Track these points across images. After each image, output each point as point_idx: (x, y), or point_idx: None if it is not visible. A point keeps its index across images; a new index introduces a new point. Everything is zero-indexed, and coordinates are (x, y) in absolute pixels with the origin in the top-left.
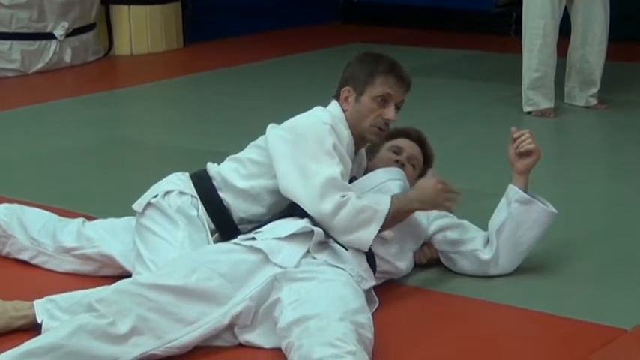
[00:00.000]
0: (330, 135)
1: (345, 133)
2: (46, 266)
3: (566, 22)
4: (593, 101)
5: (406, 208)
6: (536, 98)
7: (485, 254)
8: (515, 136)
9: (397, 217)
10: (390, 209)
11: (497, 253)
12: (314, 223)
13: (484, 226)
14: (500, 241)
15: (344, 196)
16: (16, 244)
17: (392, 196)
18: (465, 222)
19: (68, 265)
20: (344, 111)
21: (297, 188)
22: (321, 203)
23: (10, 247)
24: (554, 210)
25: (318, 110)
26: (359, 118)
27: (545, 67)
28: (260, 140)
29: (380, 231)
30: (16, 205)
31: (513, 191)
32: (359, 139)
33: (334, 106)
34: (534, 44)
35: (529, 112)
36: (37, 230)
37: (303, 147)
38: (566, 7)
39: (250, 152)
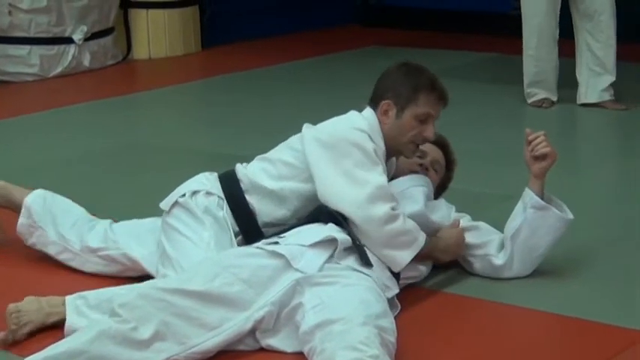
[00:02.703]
0: (369, 141)
1: (380, 143)
2: (71, 264)
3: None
4: (607, 96)
5: (429, 253)
6: (535, 90)
7: (499, 259)
8: (530, 138)
9: (423, 256)
10: (425, 244)
11: (511, 258)
12: (339, 229)
13: (503, 229)
14: (514, 246)
15: (394, 209)
16: (43, 237)
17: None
18: (482, 224)
19: (92, 265)
20: (382, 123)
21: (343, 193)
22: (370, 209)
23: (36, 239)
24: (570, 216)
25: (354, 115)
26: (398, 133)
27: (542, 62)
28: (295, 142)
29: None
30: (48, 196)
31: (529, 196)
32: (391, 151)
33: (370, 114)
34: (531, 41)
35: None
36: (68, 227)
37: (345, 152)
38: (569, 5)
39: (283, 153)
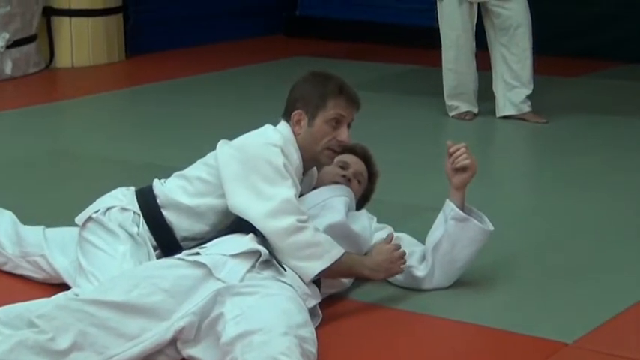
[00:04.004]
0: (280, 156)
1: (295, 156)
2: (4, 268)
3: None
4: (526, 108)
5: (355, 270)
6: (456, 103)
7: (420, 271)
8: (451, 150)
9: (343, 271)
10: (340, 258)
11: (432, 269)
12: (260, 240)
13: (424, 241)
14: (436, 258)
15: (301, 222)
16: None
17: (347, 252)
18: (404, 235)
19: (23, 270)
20: (295, 134)
21: (249, 207)
22: (274, 222)
23: None
24: (490, 228)
25: (268, 130)
26: (312, 141)
27: (461, 75)
28: (210, 158)
29: (321, 273)
30: None
31: (450, 208)
32: (309, 161)
33: (284, 127)
34: (449, 55)
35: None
36: (2, 231)
37: (254, 167)
38: (483, 20)
39: (199, 170)
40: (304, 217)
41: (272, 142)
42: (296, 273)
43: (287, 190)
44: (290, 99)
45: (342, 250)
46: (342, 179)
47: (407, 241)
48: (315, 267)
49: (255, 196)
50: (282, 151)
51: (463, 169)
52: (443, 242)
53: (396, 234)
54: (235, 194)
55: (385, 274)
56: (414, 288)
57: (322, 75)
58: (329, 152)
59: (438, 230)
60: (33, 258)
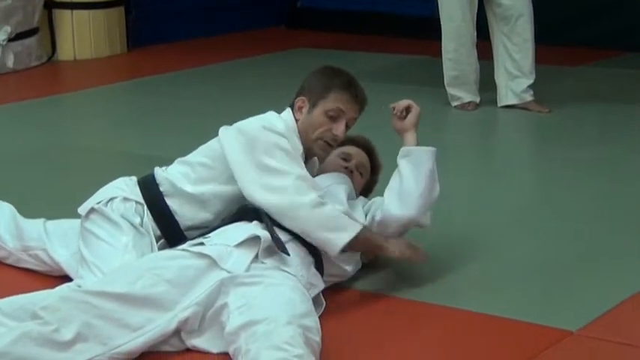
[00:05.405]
0: (285, 141)
1: (297, 143)
2: (7, 262)
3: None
4: (528, 97)
5: (375, 242)
6: (458, 94)
7: (378, 215)
8: (393, 105)
9: (366, 244)
10: (362, 229)
11: (387, 207)
12: (263, 227)
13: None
14: (390, 195)
15: (321, 197)
16: None
17: (365, 227)
18: (377, 198)
19: (25, 264)
20: (296, 120)
21: (266, 185)
22: (297, 196)
23: None
24: (432, 148)
25: (271, 116)
26: (308, 129)
27: (461, 65)
28: (212, 143)
29: (347, 247)
30: None
31: (399, 153)
32: (308, 150)
33: (288, 114)
34: (450, 45)
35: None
36: (2, 226)
37: (264, 151)
38: (485, 9)
39: (201, 155)
40: (322, 194)
41: (275, 129)
42: (321, 247)
43: (301, 169)
44: (300, 87)
45: (362, 225)
46: (345, 171)
47: (379, 201)
48: (343, 237)
49: (272, 175)
50: (286, 138)
51: (407, 111)
52: (393, 180)
53: (371, 199)
54: (248, 177)
55: (399, 253)
56: (385, 233)
57: (334, 69)
58: (322, 143)
59: (392, 179)
60: (34, 252)
